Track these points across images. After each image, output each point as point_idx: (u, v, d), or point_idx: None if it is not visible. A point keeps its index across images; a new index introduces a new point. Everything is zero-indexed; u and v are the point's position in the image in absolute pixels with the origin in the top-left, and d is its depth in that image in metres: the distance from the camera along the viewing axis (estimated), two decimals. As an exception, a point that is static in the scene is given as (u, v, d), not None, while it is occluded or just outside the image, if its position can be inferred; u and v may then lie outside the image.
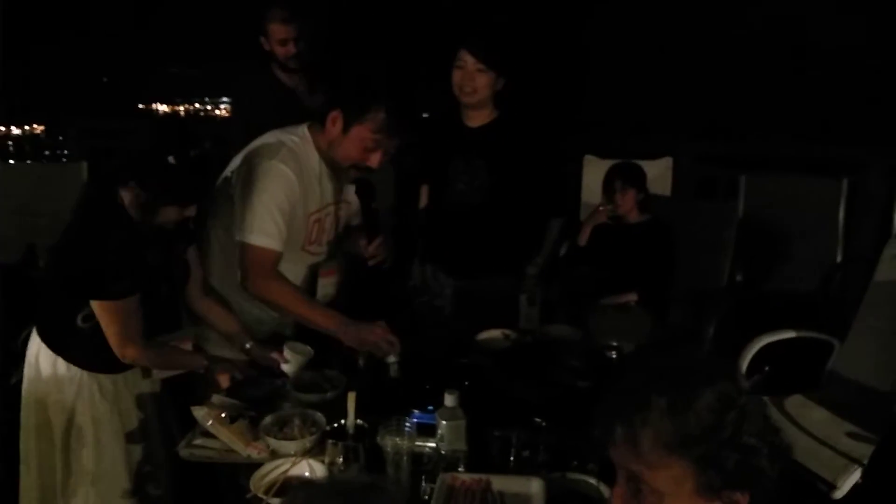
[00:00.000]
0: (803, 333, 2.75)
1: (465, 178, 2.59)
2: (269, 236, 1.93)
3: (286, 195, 1.96)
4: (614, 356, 2.02)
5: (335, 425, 1.63)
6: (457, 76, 2.53)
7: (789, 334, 2.75)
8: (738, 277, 3.45)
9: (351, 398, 1.63)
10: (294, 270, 2.09)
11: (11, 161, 4.73)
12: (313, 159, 2.05)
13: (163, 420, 1.99)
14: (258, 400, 1.81)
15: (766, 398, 2.52)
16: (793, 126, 4.99)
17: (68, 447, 1.85)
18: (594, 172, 3.97)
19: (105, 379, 1.87)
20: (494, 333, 2.28)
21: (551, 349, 1.99)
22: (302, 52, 2.93)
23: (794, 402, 2.57)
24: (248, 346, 2.01)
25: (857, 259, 3.52)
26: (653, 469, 0.98)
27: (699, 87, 5.28)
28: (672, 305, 3.17)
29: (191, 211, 1.79)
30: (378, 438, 1.54)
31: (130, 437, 1.91)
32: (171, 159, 1.72)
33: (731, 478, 0.96)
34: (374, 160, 1.99)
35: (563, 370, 1.83)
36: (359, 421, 1.62)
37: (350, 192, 2.23)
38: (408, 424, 1.56)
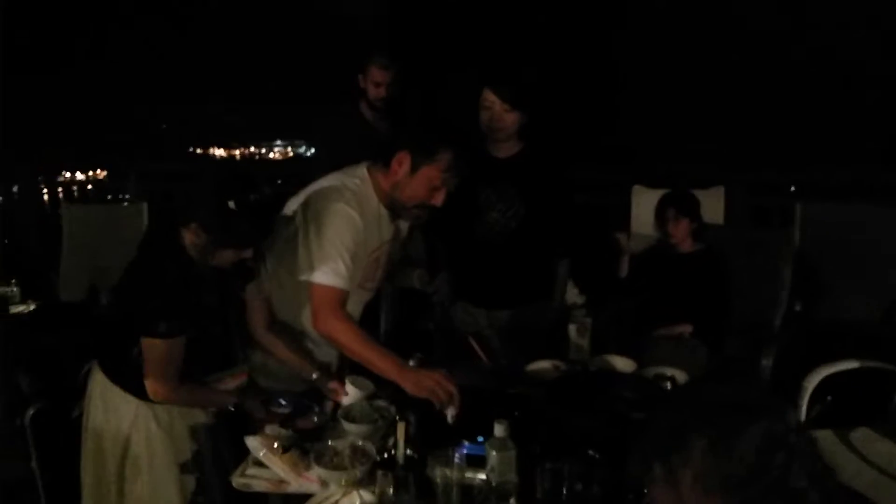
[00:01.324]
0: (867, 363, 2.63)
1: (499, 207, 2.61)
2: (339, 276, 1.97)
3: (352, 236, 2.01)
4: (669, 387, 1.97)
5: (385, 456, 1.63)
6: (485, 116, 2.57)
7: (852, 364, 2.63)
8: (797, 307, 3.35)
9: (400, 428, 1.62)
10: (351, 307, 2.11)
11: (76, 204, 4.95)
12: (373, 200, 2.10)
13: (217, 450, 2.01)
14: (309, 431, 1.82)
15: (830, 431, 2.42)
16: (849, 152, 4.87)
17: (123, 476, 1.89)
18: (643, 202, 3.93)
19: (160, 409, 1.92)
20: (544, 364, 2.26)
21: (603, 380, 1.96)
22: (391, 96, 3.19)
23: (861, 436, 2.45)
24: (314, 376, 2.04)
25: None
26: None
27: (751, 114, 5.21)
28: (728, 337, 3.09)
29: (248, 253, 1.85)
30: (428, 469, 1.53)
31: (184, 468, 1.95)
32: (231, 204, 1.77)
33: None
34: (439, 199, 2.04)
35: (616, 401, 1.79)
36: (409, 451, 1.61)
37: (398, 229, 2.27)
38: (457, 455, 1.55)
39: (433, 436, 1.69)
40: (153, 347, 1.82)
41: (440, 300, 2.43)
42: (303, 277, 2.00)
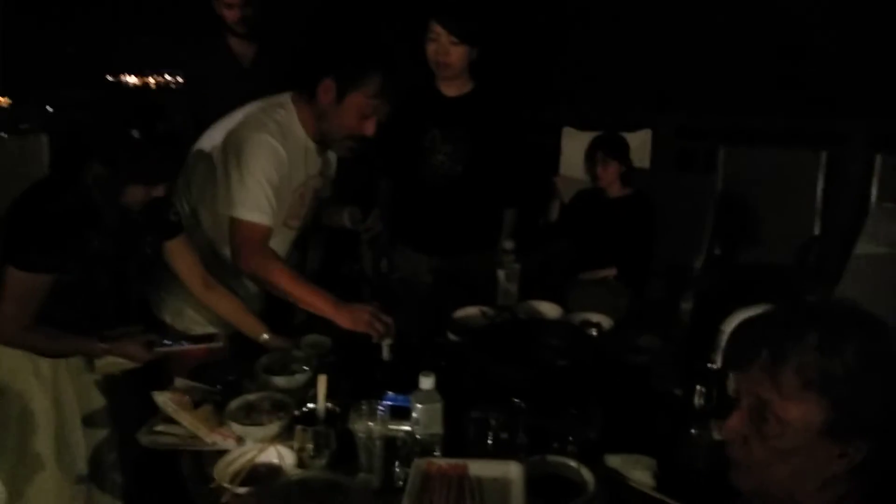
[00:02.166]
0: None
1: (445, 149, 2.50)
2: (262, 211, 1.87)
3: (276, 169, 1.89)
4: (594, 334, 1.96)
5: (304, 409, 1.55)
6: (430, 49, 2.44)
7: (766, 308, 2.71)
8: (717, 251, 3.43)
9: (321, 381, 1.55)
10: (275, 246, 2.00)
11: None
12: (299, 132, 1.98)
13: (123, 406, 1.90)
14: (224, 383, 1.73)
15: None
16: (772, 98, 4.94)
17: (23, 432, 1.76)
18: (572, 145, 3.92)
19: (43, 363, 1.77)
20: (472, 311, 2.22)
21: (530, 327, 1.93)
22: (249, 16, 2.85)
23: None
24: (264, 337, 1.92)
25: (835, 231, 3.50)
26: (786, 399, 0.96)
27: (678, 59, 5.21)
28: (650, 280, 3.13)
29: (159, 191, 1.68)
30: (349, 423, 1.47)
31: (88, 422, 1.82)
32: (135, 133, 1.60)
33: (862, 426, 0.95)
34: (370, 128, 1.93)
35: (542, 349, 1.77)
36: (329, 405, 1.55)
37: (326, 164, 2.15)
38: (381, 407, 1.50)
39: (357, 388, 1.63)
40: (12, 278, 1.64)
41: (371, 239, 2.33)
42: (226, 213, 1.88)
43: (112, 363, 1.79)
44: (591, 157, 3.16)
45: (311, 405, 1.56)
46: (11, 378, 1.74)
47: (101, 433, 1.85)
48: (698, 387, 1.70)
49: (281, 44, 2.95)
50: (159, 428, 1.57)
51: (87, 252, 1.69)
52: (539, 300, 2.29)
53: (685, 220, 3.45)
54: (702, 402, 1.70)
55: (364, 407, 1.47)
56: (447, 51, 2.40)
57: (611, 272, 3.04)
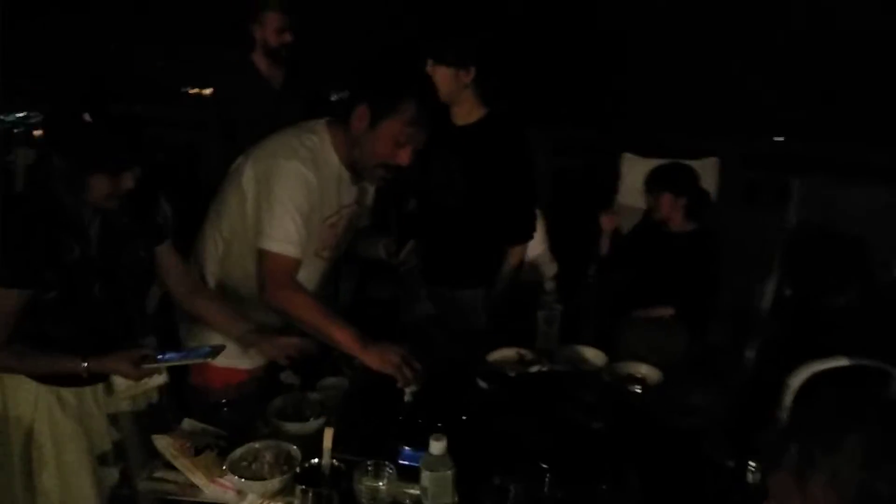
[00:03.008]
0: (857, 361, 2.45)
1: (441, 178, 2.36)
2: (290, 243, 1.78)
3: (306, 199, 1.80)
4: (638, 391, 1.77)
5: (307, 465, 1.43)
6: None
7: (841, 362, 2.45)
8: (787, 292, 3.16)
9: (328, 435, 1.43)
10: (306, 277, 1.91)
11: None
12: (332, 160, 1.89)
13: (143, 440, 1.81)
14: (235, 426, 1.63)
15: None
16: (853, 126, 4.61)
17: (30, 469, 1.69)
18: (633, 172, 3.72)
19: (67, 393, 1.70)
20: (508, 353, 2.06)
21: (563, 381, 1.76)
22: (288, 42, 2.88)
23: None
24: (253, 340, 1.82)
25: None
26: None
27: (750, 81, 4.92)
28: (711, 323, 2.90)
29: (126, 182, 1.56)
30: (354, 483, 1.35)
31: (104, 459, 1.75)
32: (87, 117, 1.50)
33: None
34: (405, 157, 1.82)
35: (575, 407, 1.60)
36: (335, 461, 1.42)
37: (363, 193, 2.05)
38: (389, 467, 1.36)
39: (369, 441, 1.50)
40: None
41: (406, 273, 2.21)
42: (251, 243, 1.81)
43: (133, 385, 1.69)
44: (650, 189, 2.97)
45: (316, 460, 1.43)
46: (14, 403, 1.67)
47: (115, 471, 1.76)
48: (751, 462, 1.50)
49: (312, 68, 2.91)
50: (158, 474, 1.48)
51: (66, 261, 1.58)
52: (583, 345, 2.11)
53: (752, 258, 3.20)
54: (757, 478, 1.50)
55: (370, 467, 1.34)
56: (432, 72, 2.22)
57: (667, 311, 2.84)
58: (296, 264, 1.81)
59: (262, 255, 1.79)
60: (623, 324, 2.77)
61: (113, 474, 1.76)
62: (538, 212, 3.21)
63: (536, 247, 3.15)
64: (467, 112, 2.36)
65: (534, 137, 4.00)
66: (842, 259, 3.36)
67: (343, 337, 1.73)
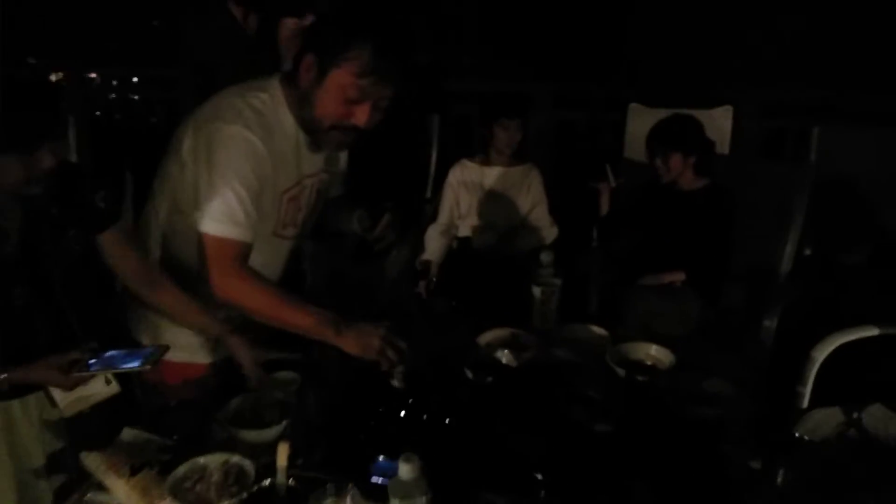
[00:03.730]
0: (889, 329, 2.22)
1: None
2: (235, 224, 1.51)
3: (253, 170, 1.53)
4: (646, 379, 1.55)
5: (258, 487, 1.22)
6: None
7: (871, 332, 2.22)
8: (807, 251, 2.91)
9: (282, 450, 1.22)
10: (263, 261, 1.65)
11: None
12: (287, 122, 1.61)
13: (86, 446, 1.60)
14: (186, 433, 1.42)
15: (837, 409, 2.06)
16: (876, 73, 4.27)
17: None
18: (640, 123, 3.45)
19: None
20: (501, 333, 1.85)
21: (562, 373, 1.54)
22: None
23: (874, 414, 2.09)
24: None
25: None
26: None
27: (764, 21, 4.57)
28: (726, 285, 2.68)
29: (45, 161, 1.31)
30: (313, 505, 1.15)
31: (36, 475, 1.54)
32: None
33: None
34: (361, 116, 1.53)
35: (576, 405, 1.38)
36: (291, 481, 1.21)
37: (332, 159, 1.79)
38: (353, 489, 1.16)
39: (337, 452, 1.29)
40: None
41: (382, 250, 1.97)
42: (197, 226, 1.52)
43: (78, 399, 1.49)
44: (650, 148, 2.72)
45: (268, 480, 1.22)
46: None
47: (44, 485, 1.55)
48: (781, 463, 1.29)
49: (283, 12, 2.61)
50: (89, 496, 1.28)
51: None
52: (585, 323, 1.89)
53: (768, 214, 2.95)
54: (786, 480, 1.29)
55: (329, 490, 1.13)
56: None
57: (679, 277, 2.62)
58: (242, 248, 1.54)
59: (203, 239, 1.52)
60: (630, 292, 2.56)
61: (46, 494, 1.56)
62: (536, 171, 2.98)
63: (535, 208, 2.92)
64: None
65: (533, 90, 3.77)
66: (864, 213, 3.11)
67: (310, 323, 1.49)
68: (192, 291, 1.64)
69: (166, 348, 1.51)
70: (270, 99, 1.58)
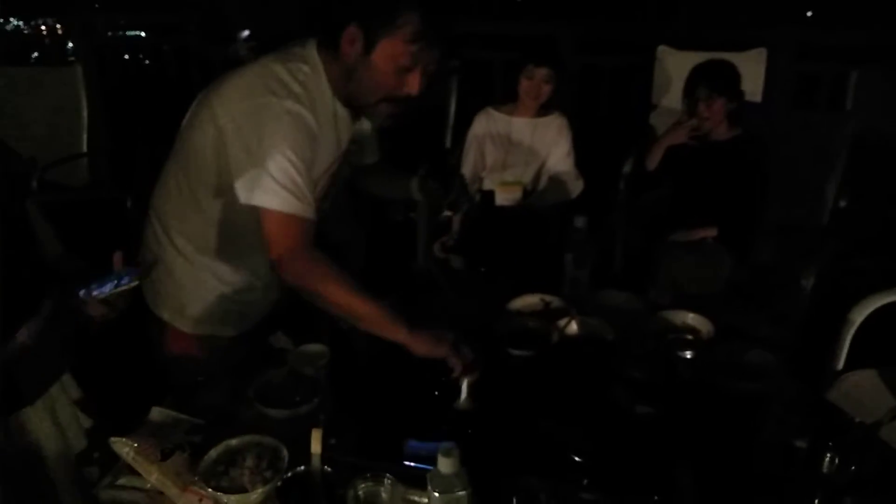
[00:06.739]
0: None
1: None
2: (302, 201, 1.43)
3: (310, 147, 1.46)
4: (689, 356, 1.49)
5: (292, 473, 1.19)
6: None
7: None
8: (842, 203, 2.81)
9: (316, 436, 1.18)
10: None
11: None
12: (327, 96, 1.52)
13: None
14: (216, 411, 1.39)
15: (873, 371, 2.01)
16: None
17: None
18: (669, 67, 3.31)
19: None
20: (531, 300, 1.79)
21: (599, 352, 1.47)
22: None
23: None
24: None
25: None
26: None
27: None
28: (759, 243, 2.60)
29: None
30: (348, 490, 1.12)
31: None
32: None
33: None
34: (413, 83, 1.46)
35: (616, 385, 1.33)
36: (326, 467, 1.18)
37: (359, 128, 1.70)
38: (388, 476, 1.13)
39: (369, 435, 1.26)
40: None
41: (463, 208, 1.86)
42: (243, 201, 1.44)
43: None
44: (691, 91, 2.59)
45: (304, 468, 1.19)
46: None
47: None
48: (830, 448, 1.23)
49: None
50: (122, 481, 1.26)
51: None
52: (614, 290, 1.83)
53: (804, 166, 2.85)
54: (836, 467, 1.24)
55: (365, 477, 1.10)
56: None
57: (710, 232, 2.54)
58: (308, 226, 1.45)
59: (269, 220, 1.43)
60: (659, 249, 2.49)
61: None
62: (564, 121, 2.85)
63: (562, 160, 2.81)
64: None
65: (558, 33, 3.60)
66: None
67: (381, 316, 1.41)
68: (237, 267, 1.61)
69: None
70: (312, 71, 1.49)
